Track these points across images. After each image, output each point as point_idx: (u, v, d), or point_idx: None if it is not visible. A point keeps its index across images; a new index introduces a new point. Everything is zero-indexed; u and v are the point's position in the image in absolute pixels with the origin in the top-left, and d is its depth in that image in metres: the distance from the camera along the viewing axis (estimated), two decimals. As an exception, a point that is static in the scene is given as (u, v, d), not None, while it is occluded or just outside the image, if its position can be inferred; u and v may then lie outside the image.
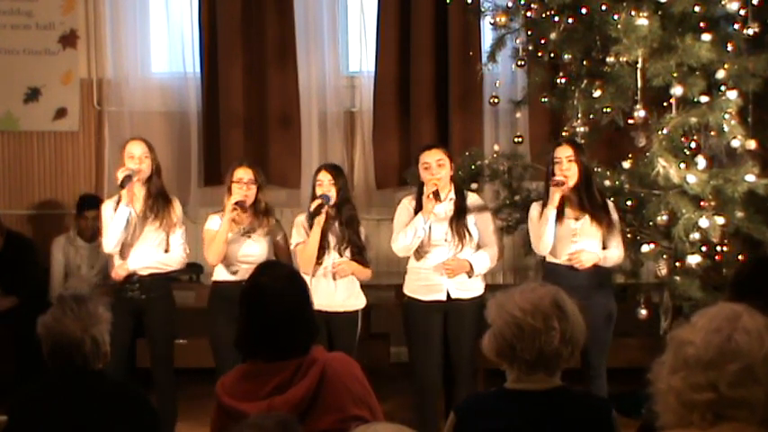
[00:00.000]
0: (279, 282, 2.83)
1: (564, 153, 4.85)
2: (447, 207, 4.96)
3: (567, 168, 4.82)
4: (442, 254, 4.94)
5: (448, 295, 4.94)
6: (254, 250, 5.00)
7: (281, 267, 3.06)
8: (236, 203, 4.93)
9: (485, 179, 5.93)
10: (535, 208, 4.97)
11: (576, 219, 4.88)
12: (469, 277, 4.95)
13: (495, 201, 5.95)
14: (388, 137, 6.95)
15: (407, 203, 5.05)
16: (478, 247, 5.00)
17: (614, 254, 4.92)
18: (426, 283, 4.96)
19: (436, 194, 4.82)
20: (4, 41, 7.06)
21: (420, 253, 4.98)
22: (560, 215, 4.86)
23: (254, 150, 6.92)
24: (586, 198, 4.87)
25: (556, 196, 4.80)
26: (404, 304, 5.09)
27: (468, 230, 4.94)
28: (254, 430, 2.12)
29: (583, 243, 4.86)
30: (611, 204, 4.98)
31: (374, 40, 6.96)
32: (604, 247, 4.91)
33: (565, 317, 2.56)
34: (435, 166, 4.89)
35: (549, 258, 4.95)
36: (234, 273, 4.99)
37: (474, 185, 5.74)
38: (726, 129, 5.02)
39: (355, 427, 2.16)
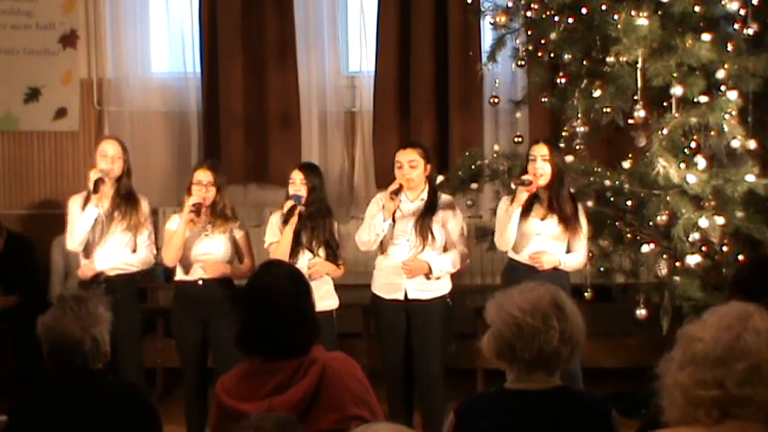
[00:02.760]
0: (282, 281, 2.83)
1: (539, 152, 4.88)
2: (417, 207, 4.98)
3: (540, 167, 4.86)
4: (404, 252, 4.96)
5: (405, 295, 4.96)
6: (212, 249, 5.01)
7: (284, 267, 3.05)
8: (193, 205, 4.95)
9: (485, 179, 5.93)
10: (503, 202, 5.01)
11: (543, 218, 4.91)
12: (428, 279, 4.96)
13: (495, 201, 5.94)
14: (388, 137, 6.94)
15: (379, 199, 5.08)
16: (445, 249, 5.01)
17: (575, 259, 4.96)
18: (387, 281, 5.00)
19: (396, 193, 4.85)
20: (4, 41, 7.06)
21: (383, 249, 5.02)
22: (527, 212, 4.89)
23: (253, 150, 6.93)
24: (556, 199, 4.89)
25: (522, 195, 4.84)
26: (371, 301, 5.13)
27: (431, 232, 4.95)
28: (253, 431, 2.12)
29: (546, 243, 4.90)
30: (581, 209, 5.01)
31: (374, 40, 6.95)
32: (569, 250, 4.93)
33: (564, 316, 2.56)
34: (407, 166, 4.93)
35: (511, 254, 5.00)
36: (190, 273, 5.00)
37: (474, 185, 5.75)
38: (726, 129, 5.02)
39: (355, 427, 2.16)
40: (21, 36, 7.08)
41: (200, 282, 4.96)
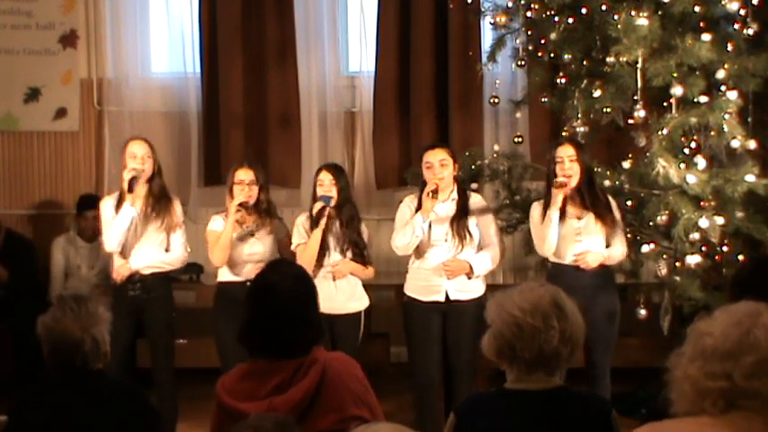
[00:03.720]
0: (287, 281, 2.83)
1: (566, 153, 4.82)
2: (449, 207, 4.94)
3: (569, 168, 4.80)
4: (442, 254, 4.92)
5: (447, 297, 4.92)
6: (259, 249, 5.00)
7: (291, 266, 3.05)
8: (240, 205, 4.94)
9: (485, 179, 5.93)
10: (536, 208, 4.95)
11: (579, 218, 4.85)
12: (469, 279, 4.93)
13: (495, 201, 5.94)
14: (388, 137, 6.95)
15: (409, 202, 5.04)
16: (480, 248, 4.98)
17: (618, 251, 4.90)
18: (426, 283, 4.95)
19: (435, 193, 4.81)
20: (4, 41, 7.06)
21: (420, 252, 4.97)
22: (563, 215, 4.83)
23: (254, 150, 6.93)
24: (589, 196, 4.83)
25: (558, 197, 4.77)
26: (404, 304, 5.08)
27: (468, 231, 4.92)
28: (252, 431, 2.12)
29: (587, 242, 4.84)
30: (613, 202, 4.96)
31: (374, 40, 6.96)
32: (607, 245, 4.89)
33: (564, 316, 2.57)
34: (438, 165, 4.88)
35: (554, 259, 4.92)
36: (237, 273, 4.99)
37: (474, 185, 5.74)
38: (726, 129, 5.01)
39: (355, 427, 2.16)
40: (21, 36, 7.08)
41: (249, 283, 4.92)
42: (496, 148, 6.17)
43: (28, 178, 7.18)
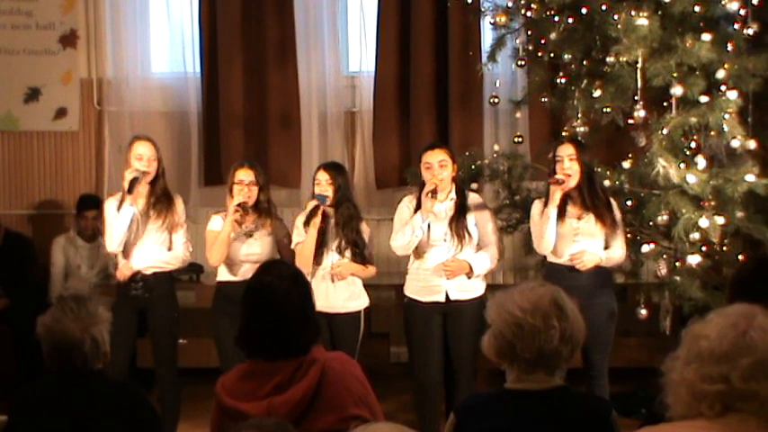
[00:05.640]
0: (283, 281, 2.83)
1: (565, 152, 4.81)
2: (448, 207, 4.95)
3: (568, 167, 4.78)
4: (442, 254, 4.92)
5: (447, 297, 4.92)
6: (257, 250, 5.00)
7: (286, 267, 3.05)
8: (239, 205, 4.94)
9: (485, 179, 5.93)
10: (536, 206, 4.94)
11: (579, 218, 4.83)
12: (469, 278, 4.93)
13: (495, 201, 5.94)
14: (388, 137, 6.95)
15: (408, 202, 5.04)
16: (479, 247, 4.98)
17: (617, 254, 4.88)
18: (426, 284, 4.95)
19: (434, 193, 4.81)
20: (4, 41, 7.06)
21: (419, 253, 4.97)
22: (562, 214, 4.82)
23: (254, 150, 6.92)
24: (589, 196, 4.82)
25: (556, 195, 4.77)
26: (404, 305, 5.07)
27: (468, 231, 4.92)
28: (254, 430, 2.12)
29: (585, 243, 4.83)
30: (614, 203, 4.94)
31: (374, 40, 6.96)
32: (607, 247, 4.87)
33: (564, 316, 2.56)
34: (437, 166, 4.88)
35: (551, 258, 4.92)
36: (236, 273, 4.99)
37: (474, 185, 5.74)
38: (726, 129, 5.02)
39: (355, 426, 2.16)
40: (21, 36, 7.08)
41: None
42: (496, 148, 6.17)
43: (28, 178, 7.18)
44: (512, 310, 2.55)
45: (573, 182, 4.80)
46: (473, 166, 5.82)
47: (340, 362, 2.82)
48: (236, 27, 6.93)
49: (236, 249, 4.98)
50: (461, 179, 5.37)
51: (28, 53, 7.09)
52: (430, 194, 4.81)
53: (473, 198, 5.09)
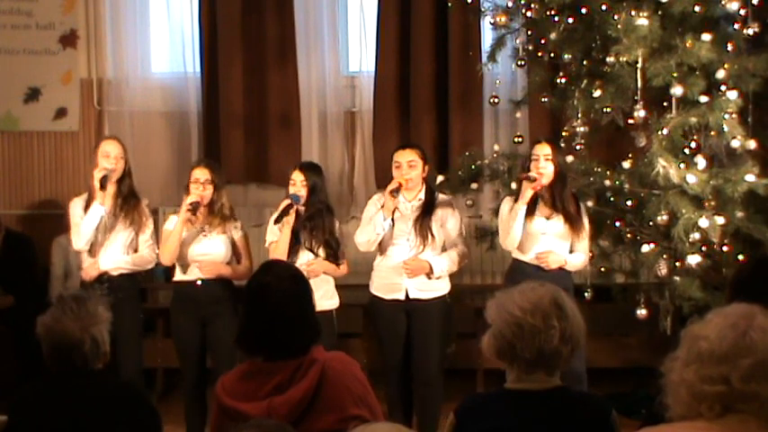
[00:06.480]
0: (282, 282, 2.83)
1: (542, 151, 4.88)
2: (414, 206, 4.99)
3: (543, 167, 4.86)
4: (403, 252, 4.97)
5: (407, 295, 4.96)
6: (209, 250, 5.00)
7: (286, 268, 3.05)
8: (191, 204, 4.94)
9: (485, 179, 5.93)
10: (507, 203, 5.00)
11: (548, 217, 4.91)
12: (429, 278, 4.97)
13: (495, 201, 5.94)
14: (388, 137, 6.94)
15: (377, 199, 5.10)
16: (443, 249, 5.02)
17: (579, 259, 4.96)
18: (387, 281, 5.01)
19: (395, 192, 4.87)
20: (4, 41, 7.07)
21: (382, 249, 5.03)
22: (532, 212, 4.89)
23: (254, 150, 6.93)
24: (560, 198, 4.89)
25: (528, 192, 4.83)
26: (369, 302, 5.12)
27: (431, 232, 4.97)
28: (255, 430, 2.12)
29: (551, 243, 4.90)
30: (583, 208, 5.01)
31: (374, 40, 6.96)
32: (572, 251, 4.94)
33: (564, 316, 2.56)
34: (406, 166, 4.95)
35: (516, 254, 4.98)
36: (188, 273, 5.00)
37: (474, 185, 5.75)
38: (726, 129, 5.02)
39: (354, 426, 2.16)
40: (21, 36, 7.08)
41: (199, 282, 4.95)
42: (496, 148, 6.17)
43: (28, 178, 7.18)
44: (512, 310, 2.55)
45: (545, 180, 4.85)
46: (473, 166, 5.82)
47: (340, 362, 2.82)
48: (236, 27, 6.93)
49: (189, 249, 4.99)
50: (461, 179, 5.38)
51: (28, 53, 7.10)
52: (391, 193, 4.87)
53: (443, 199, 5.13)
